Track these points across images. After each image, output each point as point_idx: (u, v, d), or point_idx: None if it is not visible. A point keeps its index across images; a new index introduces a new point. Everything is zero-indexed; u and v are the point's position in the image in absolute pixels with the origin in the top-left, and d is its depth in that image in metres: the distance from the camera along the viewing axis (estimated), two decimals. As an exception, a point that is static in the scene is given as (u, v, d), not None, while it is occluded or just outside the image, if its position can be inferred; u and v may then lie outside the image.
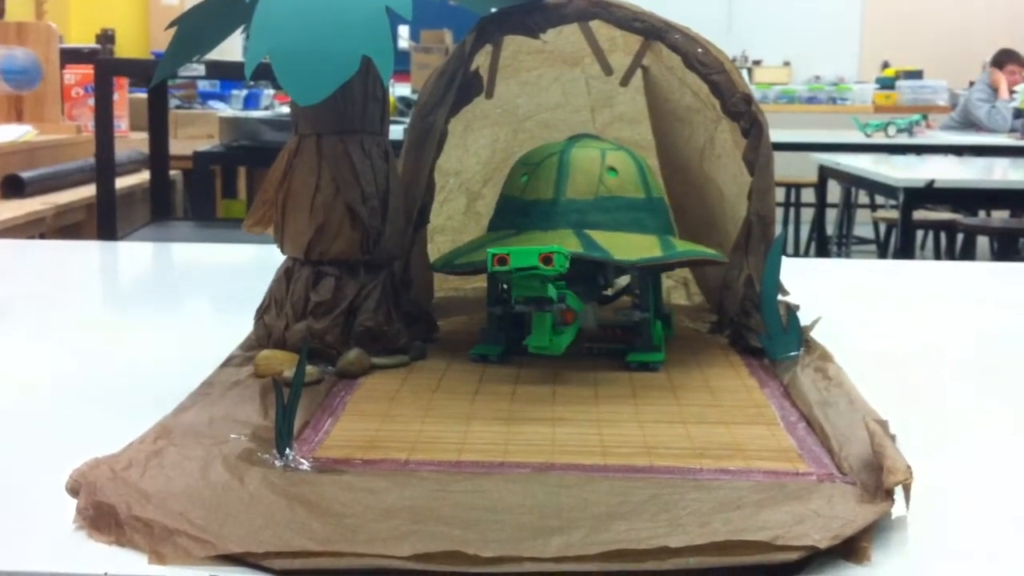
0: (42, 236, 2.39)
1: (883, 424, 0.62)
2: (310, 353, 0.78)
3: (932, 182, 3.04)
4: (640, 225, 0.81)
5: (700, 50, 0.87)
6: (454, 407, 0.69)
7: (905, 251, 3.26)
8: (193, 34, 0.81)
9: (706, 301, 0.98)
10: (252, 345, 0.82)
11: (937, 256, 4.43)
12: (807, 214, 6.66)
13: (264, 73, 0.68)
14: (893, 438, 0.62)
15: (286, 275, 0.81)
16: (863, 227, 6.69)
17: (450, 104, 0.88)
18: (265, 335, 0.81)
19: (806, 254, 6.04)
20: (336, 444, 0.62)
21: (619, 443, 0.63)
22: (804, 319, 0.85)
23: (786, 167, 6.10)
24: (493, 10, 0.88)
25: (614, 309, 0.86)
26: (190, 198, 3.03)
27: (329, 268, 0.80)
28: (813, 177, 5.42)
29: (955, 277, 1.38)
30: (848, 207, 6.08)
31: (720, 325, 0.92)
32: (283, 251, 0.82)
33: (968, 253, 4.18)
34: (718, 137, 0.92)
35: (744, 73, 9.45)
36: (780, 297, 0.85)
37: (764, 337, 0.83)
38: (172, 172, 2.84)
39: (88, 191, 2.55)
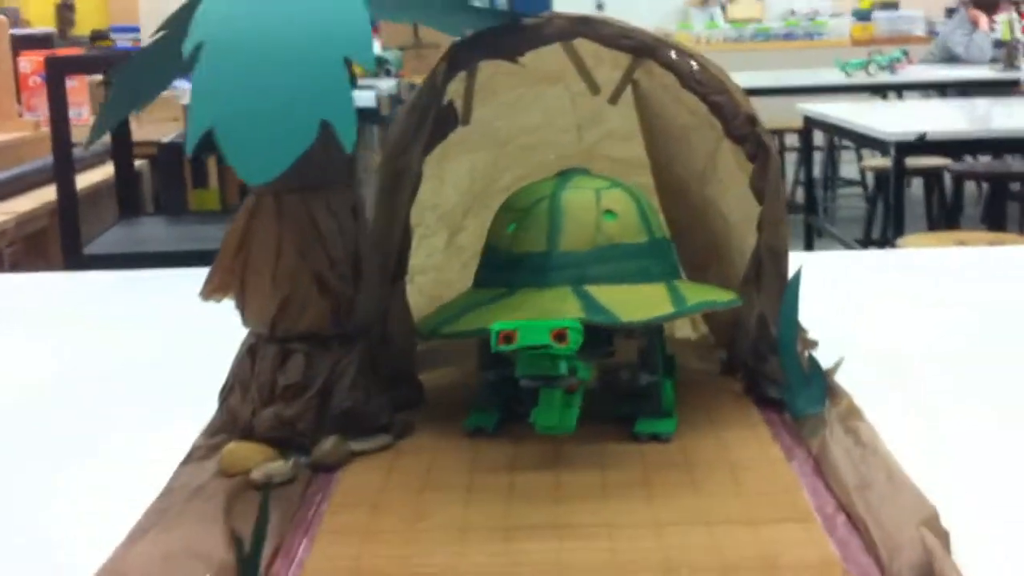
0: (9, 245, 2.29)
1: (939, 531, 0.54)
2: (280, 443, 0.70)
3: (924, 135, 2.96)
4: (645, 274, 0.73)
5: (696, 67, 0.78)
6: (445, 514, 0.61)
7: (897, 206, 3.18)
8: (131, 87, 0.72)
9: (713, 336, 0.90)
10: (217, 429, 0.73)
11: (928, 204, 4.36)
12: (790, 156, 6.58)
13: (209, 145, 0.59)
14: (947, 540, 0.54)
15: (250, 353, 0.73)
16: (849, 166, 6.62)
17: (424, 142, 0.79)
18: (230, 421, 0.73)
19: (792, 198, 5.97)
20: (312, 584, 0.54)
21: (634, 562, 0.55)
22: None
23: (768, 112, 6.01)
24: (466, 32, 0.79)
25: (616, 365, 0.78)
26: (159, 189, 2.92)
27: (297, 345, 0.71)
28: (797, 122, 5.33)
29: (946, 265, 1.31)
30: (833, 151, 6.00)
31: (731, 366, 0.84)
32: (245, 325, 0.74)
33: (958, 199, 4.11)
34: (720, 159, 0.84)
35: (718, 11, 9.34)
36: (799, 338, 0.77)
37: (784, 389, 0.75)
38: (138, 162, 2.73)
39: (52, 193, 2.44)
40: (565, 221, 0.73)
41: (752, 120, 0.78)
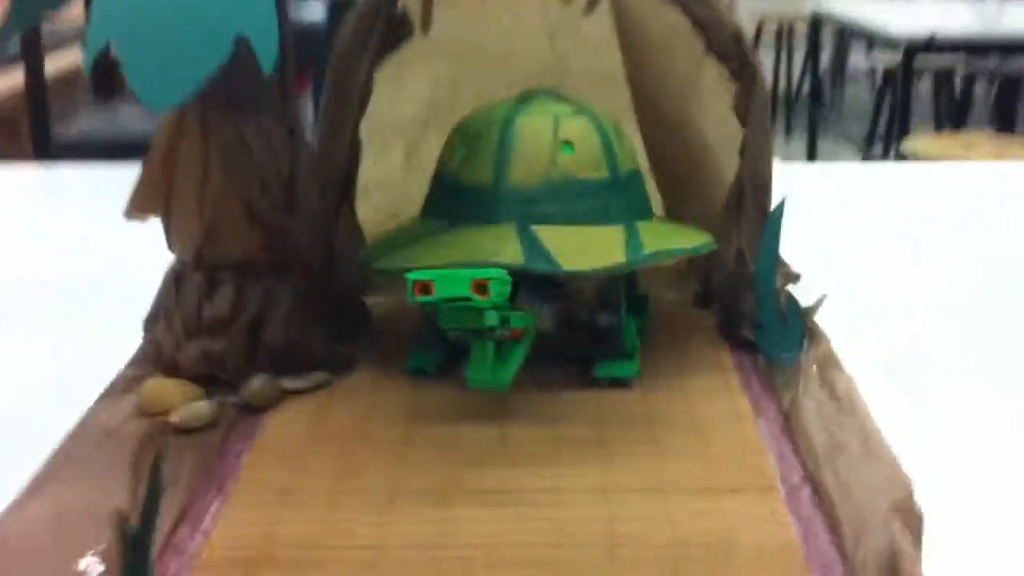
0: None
1: (911, 513, 0.49)
2: (206, 380, 0.64)
3: (933, 35, 2.85)
4: (602, 213, 0.66)
5: (679, -27, 0.71)
6: (375, 472, 0.55)
7: (904, 106, 3.08)
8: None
9: (688, 268, 0.83)
10: (140, 361, 0.68)
11: (936, 104, 4.24)
12: (798, 52, 6.42)
13: (106, 67, 0.52)
14: (919, 525, 0.49)
15: (175, 280, 0.67)
16: (857, 55, 6.45)
17: (373, 51, 0.71)
18: (154, 352, 0.67)
19: (798, 93, 5.84)
20: (216, 557, 0.49)
21: (575, 535, 0.50)
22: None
23: (776, 3, 5.83)
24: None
25: (574, 304, 0.71)
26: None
27: (226, 274, 0.65)
28: (804, 11, 5.17)
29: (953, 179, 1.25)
30: (841, 46, 5.85)
31: (705, 298, 0.78)
32: (170, 250, 0.67)
33: (966, 99, 4.00)
34: (702, 73, 0.76)
35: None
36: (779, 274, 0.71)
37: (759, 331, 0.70)
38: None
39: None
40: (516, 151, 0.65)
41: (737, 37, 0.71)
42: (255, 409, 0.63)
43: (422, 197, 0.82)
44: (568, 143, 0.66)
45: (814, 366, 0.66)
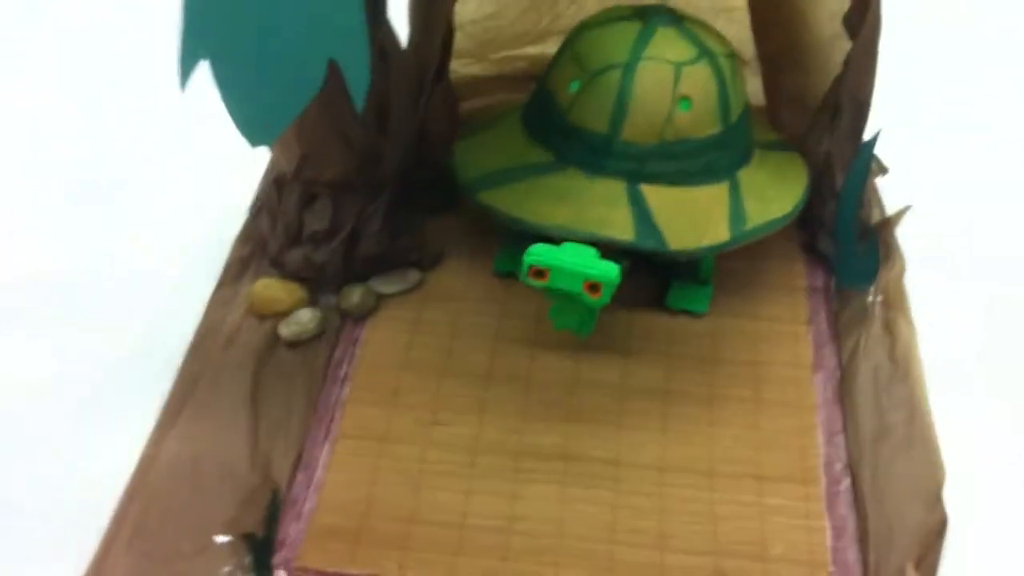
0: None
1: (939, 514, 0.55)
2: (308, 280, 0.69)
3: None
4: (709, 170, 0.66)
5: None
6: (459, 423, 0.62)
7: None
8: None
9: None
10: (247, 241, 0.72)
11: None
12: None
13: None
14: (943, 527, 0.55)
15: (276, 184, 0.70)
16: None
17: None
18: (259, 244, 0.72)
19: None
20: (326, 524, 0.57)
21: (631, 534, 0.57)
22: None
23: None
24: None
25: None
26: None
27: (323, 189, 0.68)
28: None
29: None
30: None
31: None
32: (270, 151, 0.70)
33: None
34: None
35: None
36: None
37: (836, 256, 0.71)
38: None
39: None
40: (633, 106, 0.64)
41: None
42: (354, 318, 0.68)
43: (514, 26, 0.80)
44: (686, 98, 0.64)
45: (880, 306, 0.68)
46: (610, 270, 0.58)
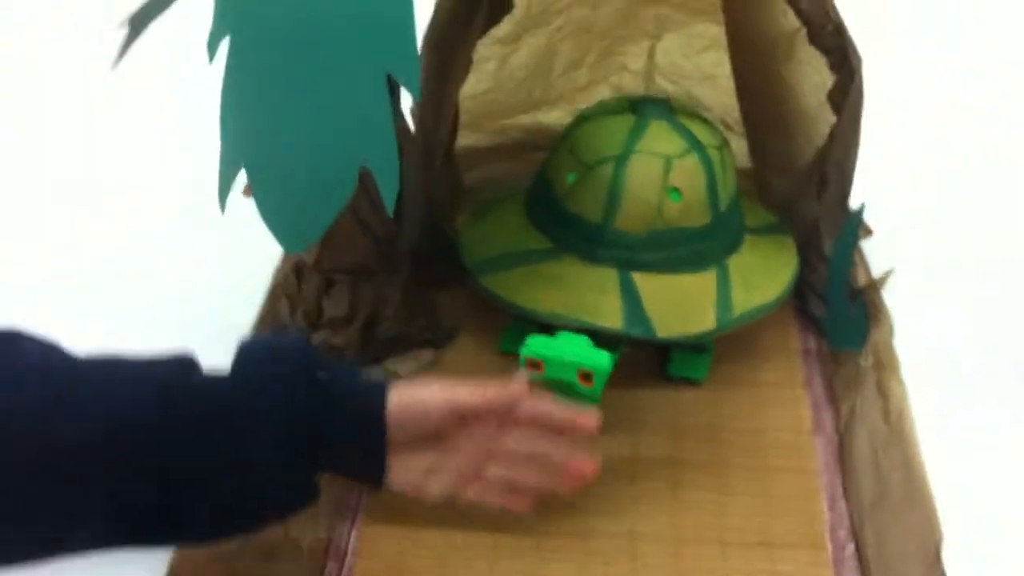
0: None
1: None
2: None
3: None
4: (699, 258, 0.69)
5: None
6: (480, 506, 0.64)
7: None
8: None
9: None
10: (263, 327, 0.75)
11: None
12: None
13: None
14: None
15: (295, 271, 0.73)
16: None
17: (478, 29, 0.71)
18: (277, 330, 0.74)
19: None
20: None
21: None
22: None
23: None
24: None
25: None
26: None
27: (341, 275, 0.71)
28: None
29: None
30: None
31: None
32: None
33: None
34: (798, 41, 0.75)
35: None
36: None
37: (827, 319, 0.75)
38: None
39: None
40: (625, 197, 0.67)
41: (840, 31, 0.69)
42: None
43: (511, 99, 0.83)
44: (676, 190, 0.68)
45: (872, 369, 0.72)
46: (601, 360, 0.61)
